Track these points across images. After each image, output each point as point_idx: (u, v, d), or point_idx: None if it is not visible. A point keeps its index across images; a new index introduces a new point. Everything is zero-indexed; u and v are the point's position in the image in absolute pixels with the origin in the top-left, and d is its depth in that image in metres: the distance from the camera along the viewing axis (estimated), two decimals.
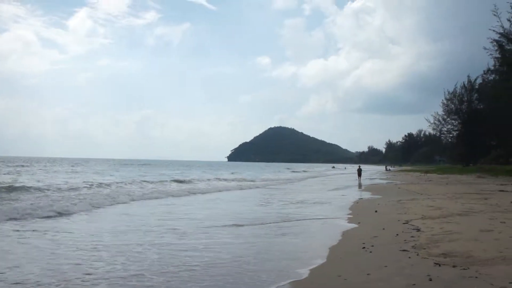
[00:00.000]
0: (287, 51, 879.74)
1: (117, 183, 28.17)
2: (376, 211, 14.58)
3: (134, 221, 12.74)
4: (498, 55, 45.96)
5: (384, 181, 41.88)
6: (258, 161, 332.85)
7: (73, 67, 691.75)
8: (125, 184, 27.72)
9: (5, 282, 6.21)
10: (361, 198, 21.16)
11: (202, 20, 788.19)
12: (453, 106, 69.39)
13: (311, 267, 7.08)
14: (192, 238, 9.94)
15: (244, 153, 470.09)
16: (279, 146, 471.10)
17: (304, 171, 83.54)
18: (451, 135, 75.65)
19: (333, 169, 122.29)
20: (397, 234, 9.47)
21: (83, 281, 6.31)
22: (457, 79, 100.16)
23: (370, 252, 7.92)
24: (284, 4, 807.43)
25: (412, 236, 9.10)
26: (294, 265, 7.34)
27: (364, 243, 8.63)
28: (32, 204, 14.97)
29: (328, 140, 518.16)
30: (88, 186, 24.63)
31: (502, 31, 43.05)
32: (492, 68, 52.16)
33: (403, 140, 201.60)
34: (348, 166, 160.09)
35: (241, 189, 31.00)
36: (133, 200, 19.49)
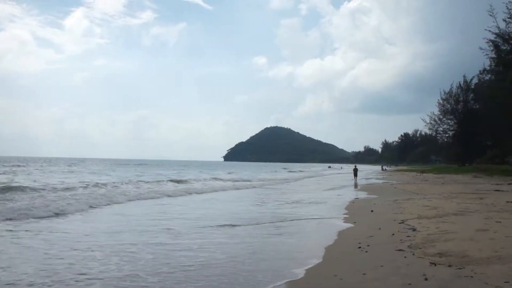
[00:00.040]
0: (284, 51, 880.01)
1: (113, 183, 28.03)
2: (372, 211, 14.58)
3: (129, 221, 12.68)
4: (493, 55, 46.12)
5: (380, 181, 41.94)
6: (254, 161, 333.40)
7: (70, 67, 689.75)
8: (121, 184, 27.58)
9: None
10: (357, 198, 21.16)
11: (198, 20, 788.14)
12: (449, 106, 69.63)
13: (307, 267, 7.05)
14: (186, 238, 9.89)
15: (241, 153, 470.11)
16: (275, 146, 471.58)
17: (301, 171, 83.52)
18: (447, 135, 75.97)
19: (329, 169, 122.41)
20: (393, 234, 9.46)
21: (77, 281, 6.25)
22: (453, 79, 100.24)
23: (366, 251, 7.90)
24: (280, 4, 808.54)
25: (408, 236, 9.09)
26: (289, 265, 7.31)
27: (360, 243, 8.61)
28: (27, 204, 14.86)
29: (324, 140, 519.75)
30: (84, 186, 24.48)
31: (497, 32, 43.24)
32: (487, 68, 52.42)
33: (399, 140, 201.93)
34: (344, 166, 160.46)
35: (237, 189, 30.96)
36: (129, 200, 19.40)
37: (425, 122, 74.03)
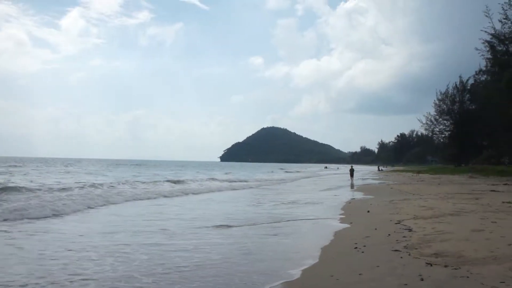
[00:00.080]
0: (280, 51, 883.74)
1: (110, 183, 27.92)
2: (368, 211, 14.57)
3: (124, 222, 12.62)
4: (489, 56, 46.22)
5: (377, 181, 41.96)
6: (250, 161, 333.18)
7: (66, 67, 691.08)
8: (118, 184, 27.47)
9: None
10: (354, 198, 21.16)
11: (194, 20, 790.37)
12: (445, 106, 69.77)
13: (303, 268, 7.03)
14: (182, 238, 9.85)
15: (237, 153, 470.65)
16: (271, 147, 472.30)
17: (297, 172, 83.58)
18: (443, 136, 76.05)
19: (325, 169, 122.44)
20: (389, 234, 9.45)
21: (71, 281, 6.22)
22: (449, 80, 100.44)
23: (362, 252, 7.89)
24: (276, 4, 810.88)
25: (404, 236, 9.08)
26: (285, 265, 7.28)
27: (356, 243, 8.60)
28: (22, 204, 14.76)
29: (320, 141, 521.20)
30: (80, 186, 24.37)
31: (493, 32, 43.32)
32: (483, 68, 52.57)
33: (396, 141, 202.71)
34: (340, 166, 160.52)
35: (234, 189, 30.90)
36: (125, 200, 19.31)
37: (421, 122, 74.18)
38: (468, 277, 5.71)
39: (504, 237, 8.12)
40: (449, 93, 69.02)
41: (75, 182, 27.99)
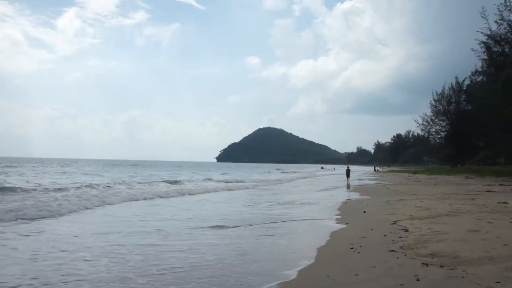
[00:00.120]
0: (277, 52, 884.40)
1: (106, 184, 27.84)
2: (364, 212, 14.56)
3: (120, 222, 12.55)
4: (485, 57, 46.40)
5: (373, 182, 42.01)
6: (247, 162, 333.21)
7: (62, 67, 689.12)
8: (114, 185, 27.41)
9: None
10: (350, 199, 21.15)
11: (191, 20, 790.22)
12: (441, 107, 70.01)
13: (299, 268, 6.99)
14: (177, 239, 9.79)
15: (233, 153, 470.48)
16: (268, 147, 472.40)
17: (294, 172, 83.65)
18: (439, 136, 76.35)
19: (322, 169, 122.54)
20: (385, 235, 9.43)
21: (65, 282, 6.16)
22: (446, 80, 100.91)
23: (359, 252, 7.87)
24: (273, 4, 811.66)
25: (400, 237, 9.07)
26: (281, 266, 7.24)
27: (352, 244, 8.57)
28: (18, 205, 14.65)
29: (317, 141, 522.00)
30: (76, 187, 24.28)
31: (489, 33, 43.49)
32: (479, 69, 52.83)
33: (392, 141, 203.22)
34: (337, 166, 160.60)
35: (230, 190, 30.83)
36: (121, 201, 19.22)
37: (418, 123, 74.46)
38: (463, 277, 5.70)
39: (499, 238, 8.12)
40: (445, 93, 69.32)
41: (71, 183, 27.88)
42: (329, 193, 26.63)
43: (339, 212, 15.08)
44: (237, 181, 40.81)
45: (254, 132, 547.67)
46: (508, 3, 40.39)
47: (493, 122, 47.45)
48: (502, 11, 40.74)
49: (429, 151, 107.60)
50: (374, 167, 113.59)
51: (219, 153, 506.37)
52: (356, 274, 6.26)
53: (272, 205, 18.23)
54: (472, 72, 57.01)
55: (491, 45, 44.50)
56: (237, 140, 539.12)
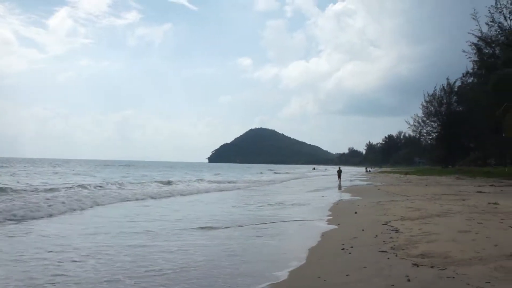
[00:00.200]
0: (269, 53, 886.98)
1: (97, 184, 27.61)
2: (355, 213, 14.55)
3: (109, 223, 12.42)
4: (476, 58, 46.83)
5: (364, 183, 42.11)
6: (239, 162, 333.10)
7: (53, 67, 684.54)
8: (106, 185, 27.20)
9: None
10: (341, 200, 21.15)
11: (183, 20, 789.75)
12: (432, 108, 70.52)
13: (289, 269, 6.94)
14: (166, 240, 9.69)
15: (225, 154, 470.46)
16: (260, 148, 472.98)
17: (287, 172, 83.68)
18: (430, 137, 76.93)
19: (313, 170, 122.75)
20: (376, 235, 9.41)
21: (52, 283, 6.06)
22: (438, 82, 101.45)
23: (350, 253, 7.83)
24: (266, 5, 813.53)
25: (391, 237, 9.04)
26: (271, 267, 7.18)
27: (343, 244, 8.53)
28: (6, 205, 14.42)
29: (309, 142, 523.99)
30: (67, 187, 24.05)
31: (480, 35, 43.85)
32: (471, 71, 53.30)
33: (383, 142, 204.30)
34: (328, 167, 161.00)
35: (222, 190, 30.71)
36: (112, 202, 19.02)
37: (409, 124, 74.96)
38: (454, 277, 5.68)
39: (489, 238, 8.13)
40: (437, 95, 69.91)
41: (62, 183, 27.64)
42: (320, 193, 26.62)
43: (330, 213, 15.06)
44: (229, 182, 40.71)
45: (246, 133, 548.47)
46: (498, 6, 40.79)
47: (484, 123, 47.79)
48: (493, 13, 41.19)
49: (421, 152, 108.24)
50: (366, 168, 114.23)
51: (210, 153, 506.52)
52: (347, 275, 6.22)
53: (263, 206, 18.15)
54: (463, 74, 57.68)
55: (482, 47, 44.90)
56: (229, 141, 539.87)
